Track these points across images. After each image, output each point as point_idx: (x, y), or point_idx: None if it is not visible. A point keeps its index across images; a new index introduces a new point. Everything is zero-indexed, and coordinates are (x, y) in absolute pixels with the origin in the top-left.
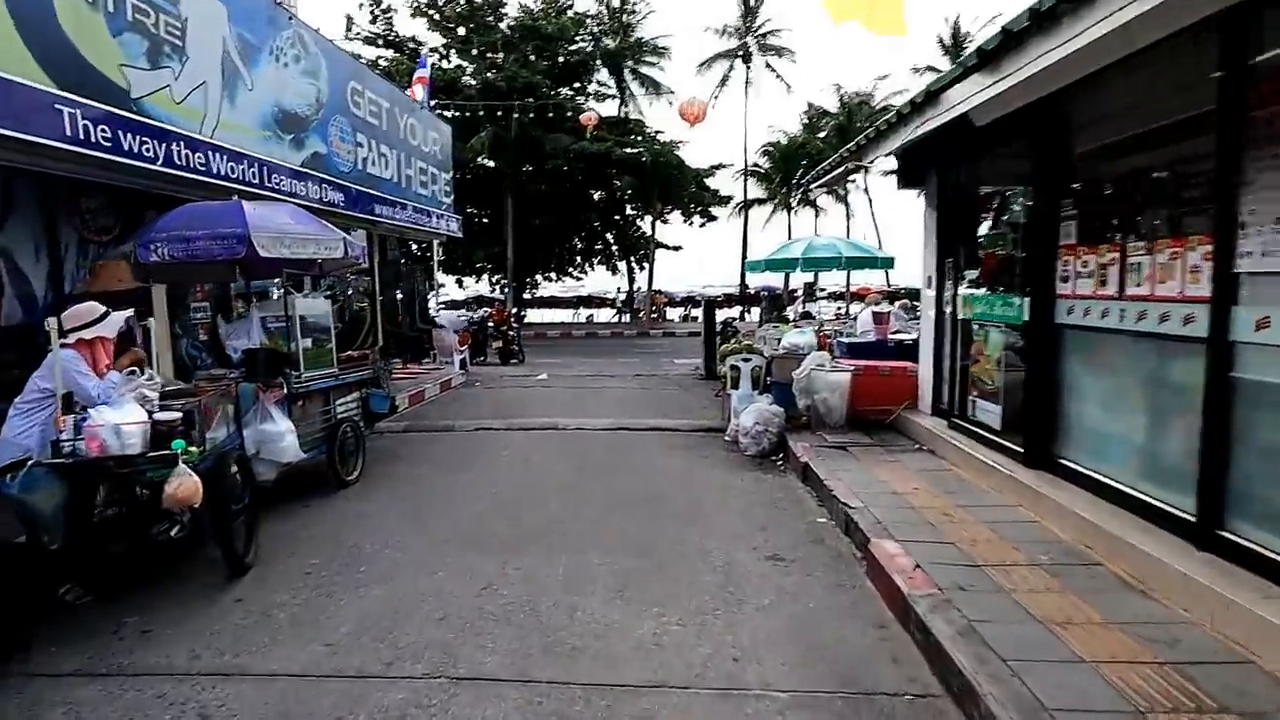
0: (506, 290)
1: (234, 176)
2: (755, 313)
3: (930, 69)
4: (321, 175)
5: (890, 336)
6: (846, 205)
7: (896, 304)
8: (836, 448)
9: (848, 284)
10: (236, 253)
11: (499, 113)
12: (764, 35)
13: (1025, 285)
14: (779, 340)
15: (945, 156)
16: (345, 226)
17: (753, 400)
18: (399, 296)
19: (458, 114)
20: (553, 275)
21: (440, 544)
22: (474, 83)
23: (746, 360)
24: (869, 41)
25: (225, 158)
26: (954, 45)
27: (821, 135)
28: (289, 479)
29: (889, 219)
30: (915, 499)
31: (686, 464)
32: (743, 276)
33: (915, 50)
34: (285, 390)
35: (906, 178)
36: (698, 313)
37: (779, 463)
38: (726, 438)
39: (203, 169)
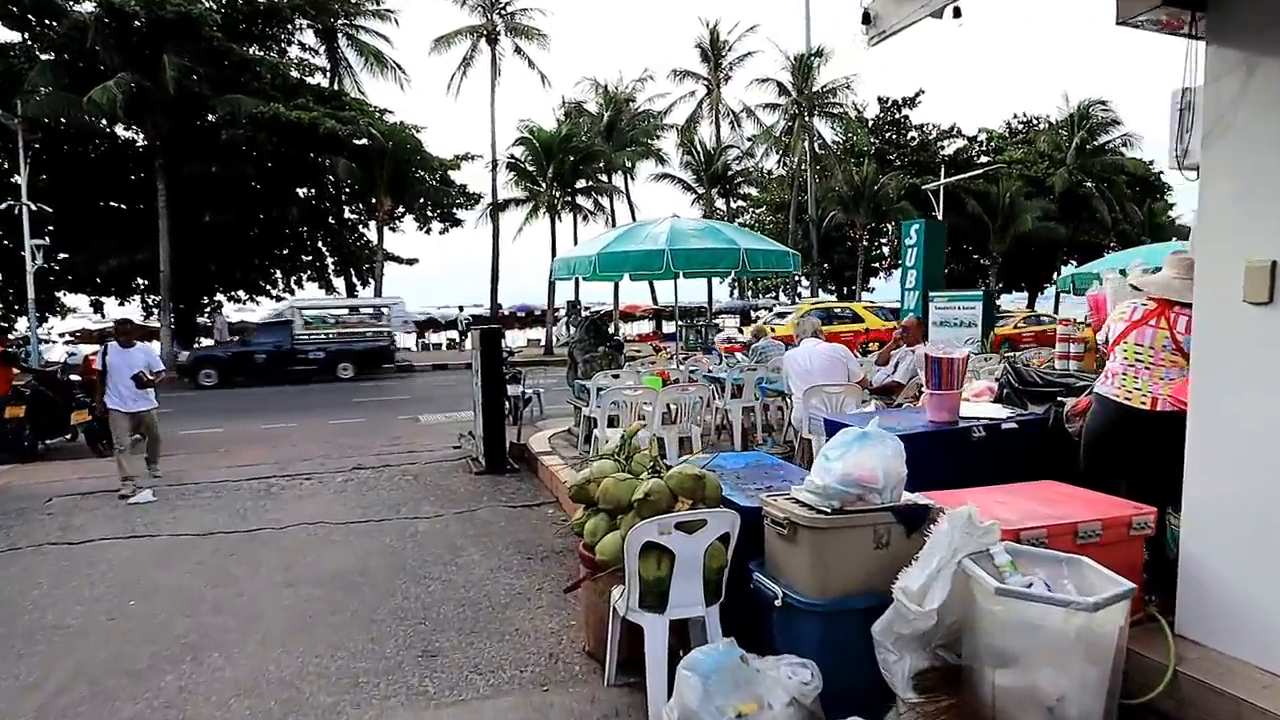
0: (161, 314)
1: None
2: (522, 338)
3: (689, 74)
4: None
5: (980, 416)
6: (611, 213)
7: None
8: None
9: (616, 299)
10: None
11: (146, 53)
12: (512, 14)
13: None
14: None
15: None
16: None
17: (724, 657)
18: None
19: (67, 55)
20: (241, 295)
21: None
22: (91, 8)
23: (690, 530)
24: (627, 40)
25: None
26: (713, 52)
27: (585, 133)
28: None
29: None
30: None
31: None
32: (494, 295)
33: (675, 55)
34: None
35: None
36: (438, 338)
37: None
38: None
39: None
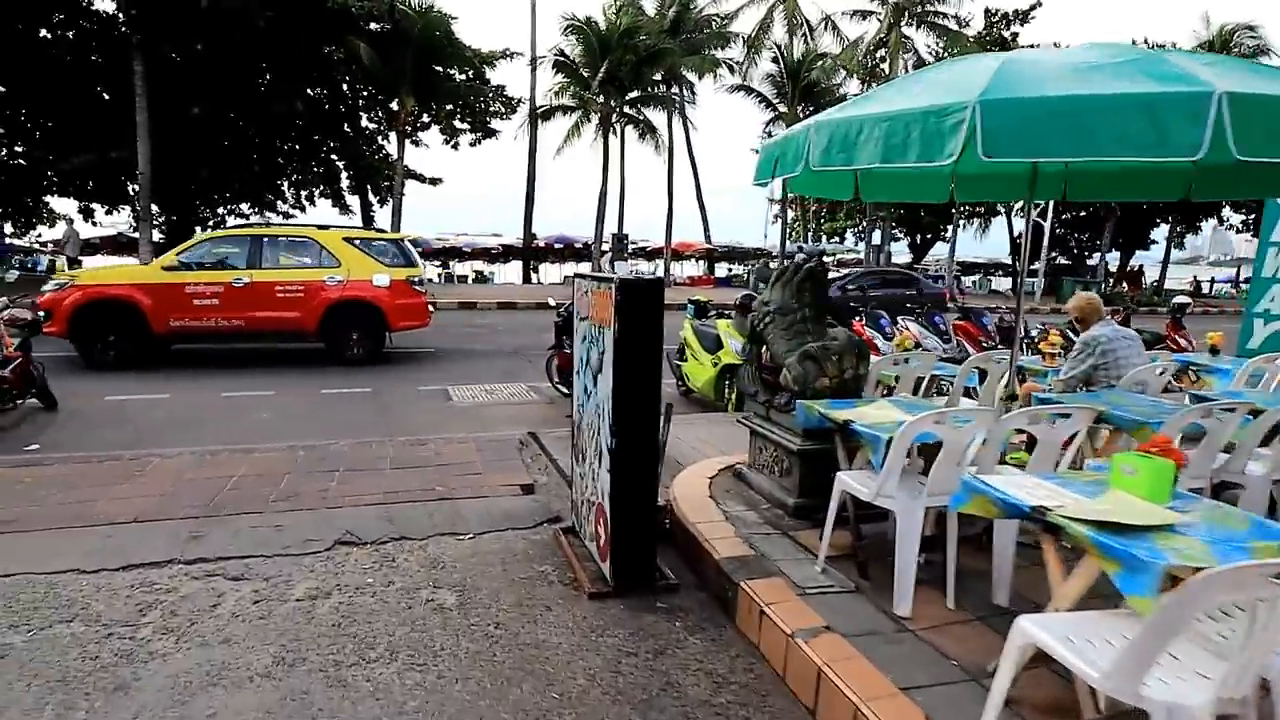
0: (142, 225)
1: None
2: (557, 273)
3: None
4: None
5: None
6: (669, 135)
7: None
8: None
9: (668, 238)
10: None
11: None
12: None
13: None
14: None
15: None
16: None
17: None
18: None
19: None
20: (246, 208)
21: None
22: None
23: None
24: None
25: None
26: None
27: (643, 28)
28: None
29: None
30: None
31: None
32: (529, 221)
33: None
34: None
35: None
36: (463, 269)
37: None
38: None
39: None
